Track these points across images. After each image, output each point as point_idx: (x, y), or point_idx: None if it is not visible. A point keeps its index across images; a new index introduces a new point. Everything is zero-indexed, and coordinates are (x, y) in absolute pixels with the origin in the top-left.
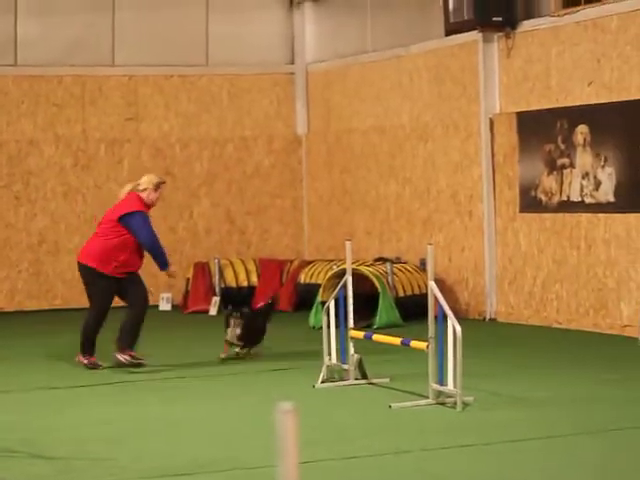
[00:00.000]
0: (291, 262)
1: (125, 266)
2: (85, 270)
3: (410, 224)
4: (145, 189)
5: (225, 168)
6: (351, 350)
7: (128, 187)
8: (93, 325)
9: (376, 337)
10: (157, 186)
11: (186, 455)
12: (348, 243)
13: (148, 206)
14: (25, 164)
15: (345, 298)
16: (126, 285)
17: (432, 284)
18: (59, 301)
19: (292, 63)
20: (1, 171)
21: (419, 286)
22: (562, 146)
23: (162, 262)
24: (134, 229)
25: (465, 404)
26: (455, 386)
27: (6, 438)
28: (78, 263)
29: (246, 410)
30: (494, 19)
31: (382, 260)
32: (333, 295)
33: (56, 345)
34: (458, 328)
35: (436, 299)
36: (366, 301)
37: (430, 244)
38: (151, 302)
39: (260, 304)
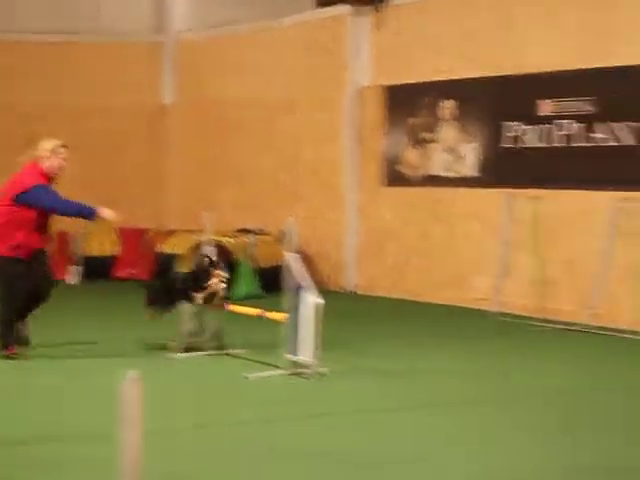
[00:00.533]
0: (152, 231)
1: (25, 247)
2: None
3: (275, 196)
4: (42, 157)
5: (91, 137)
6: (209, 320)
7: (26, 155)
8: (7, 314)
9: (234, 308)
10: (54, 152)
11: (30, 423)
12: (207, 213)
13: (48, 176)
14: None
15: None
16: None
17: (291, 255)
18: None
19: (161, 32)
20: None
21: (279, 258)
22: (427, 120)
23: (87, 214)
24: (34, 203)
25: (320, 375)
26: (311, 357)
27: None
28: None
29: (100, 381)
30: None
31: (244, 231)
32: (193, 265)
33: None
34: (317, 300)
35: (294, 271)
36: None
37: (291, 216)
38: None
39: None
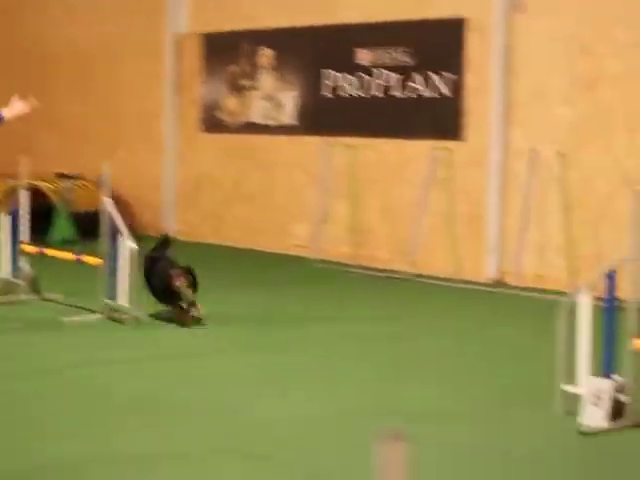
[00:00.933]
0: None
1: None
2: None
3: (93, 142)
4: None
5: None
6: (23, 265)
7: None
8: None
9: (50, 252)
10: None
11: None
12: (23, 158)
13: None
14: None
15: (19, 213)
16: None
17: (107, 200)
18: None
19: None
20: None
21: (96, 203)
22: (246, 68)
23: None
24: None
25: (137, 320)
26: (128, 302)
27: None
28: None
29: None
30: None
31: (62, 176)
32: (7, 210)
33: None
34: (132, 245)
35: (111, 216)
36: (43, 217)
37: (107, 161)
38: None
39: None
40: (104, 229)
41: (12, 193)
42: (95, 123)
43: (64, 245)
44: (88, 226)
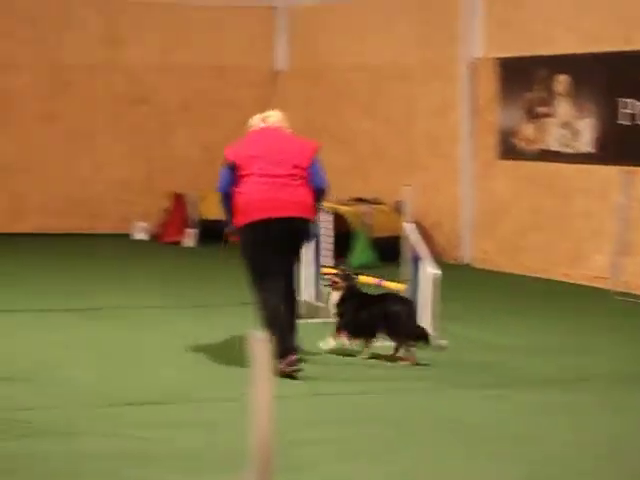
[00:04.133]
0: None
1: None
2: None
3: (387, 165)
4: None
5: (202, 98)
6: (324, 288)
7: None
8: None
9: None
10: None
11: (156, 385)
12: None
13: None
14: (1, 85)
15: (321, 237)
16: None
17: (409, 226)
18: (31, 225)
19: None
20: None
21: (395, 228)
22: (543, 94)
23: None
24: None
25: (440, 347)
26: (430, 329)
27: None
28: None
29: (211, 343)
30: None
31: (359, 200)
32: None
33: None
34: (434, 271)
35: (412, 241)
36: (341, 241)
37: (408, 185)
38: (126, 231)
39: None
40: (404, 254)
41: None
42: (387, 145)
43: (363, 270)
44: (386, 251)
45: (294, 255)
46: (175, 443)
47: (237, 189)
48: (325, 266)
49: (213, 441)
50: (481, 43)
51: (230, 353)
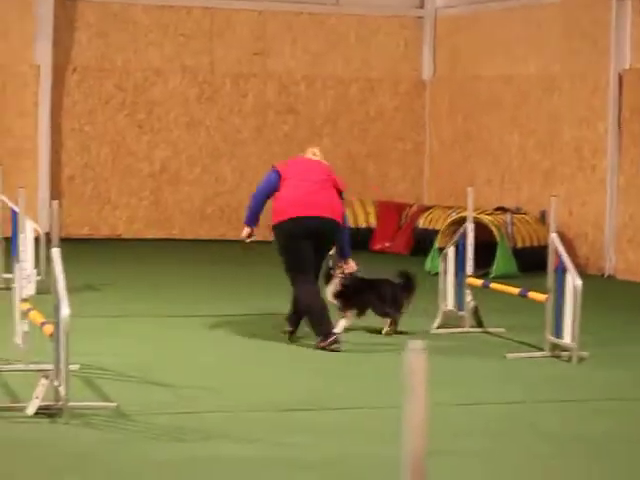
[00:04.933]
0: (410, 206)
1: None
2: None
3: (531, 175)
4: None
5: (348, 108)
6: (468, 297)
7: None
8: None
9: (494, 286)
10: None
11: (296, 392)
12: (470, 189)
13: None
14: (150, 93)
15: (464, 245)
16: None
17: (554, 236)
18: (176, 231)
19: (421, 7)
20: (126, 99)
21: (538, 238)
22: None
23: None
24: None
25: (580, 359)
26: (572, 340)
27: (123, 363)
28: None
29: (361, 351)
30: None
31: (502, 210)
32: (453, 241)
33: (165, 274)
34: (578, 282)
35: (557, 252)
36: (483, 250)
37: (554, 196)
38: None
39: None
40: (549, 265)
41: (456, 225)
42: (532, 156)
43: (504, 279)
44: (528, 261)
45: (324, 250)
46: (321, 450)
47: (277, 195)
48: (468, 275)
49: (358, 448)
50: (629, 54)
51: (375, 361)
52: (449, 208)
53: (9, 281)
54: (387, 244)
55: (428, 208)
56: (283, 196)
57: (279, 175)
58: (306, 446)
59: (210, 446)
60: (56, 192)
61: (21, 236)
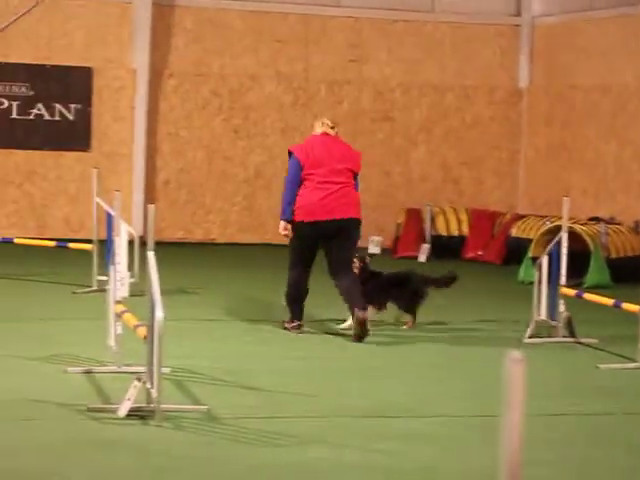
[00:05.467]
0: (503, 215)
1: None
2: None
3: (627, 185)
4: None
5: (444, 116)
6: (561, 307)
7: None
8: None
9: (588, 296)
10: None
11: (386, 398)
12: (566, 199)
13: None
14: (245, 99)
15: (558, 255)
16: None
17: None
18: (269, 236)
19: (518, 15)
20: (222, 105)
21: (632, 248)
22: None
23: None
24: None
25: None
26: None
27: (215, 367)
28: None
29: (451, 359)
30: None
31: (596, 220)
32: (547, 250)
33: (258, 279)
34: None
35: None
36: (577, 259)
37: None
38: (360, 244)
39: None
40: None
41: (550, 234)
42: (628, 166)
43: (597, 289)
44: (622, 271)
45: (350, 249)
46: (415, 457)
47: (299, 191)
48: (561, 284)
49: (451, 456)
50: None
51: (465, 369)
52: (543, 217)
53: (103, 283)
54: (479, 252)
55: (522, 217)
56: (304, 197)
57: (300, 165)
58: (400, 453)
59: (304, 451)
60: (150, 196)
61: (116, 239)
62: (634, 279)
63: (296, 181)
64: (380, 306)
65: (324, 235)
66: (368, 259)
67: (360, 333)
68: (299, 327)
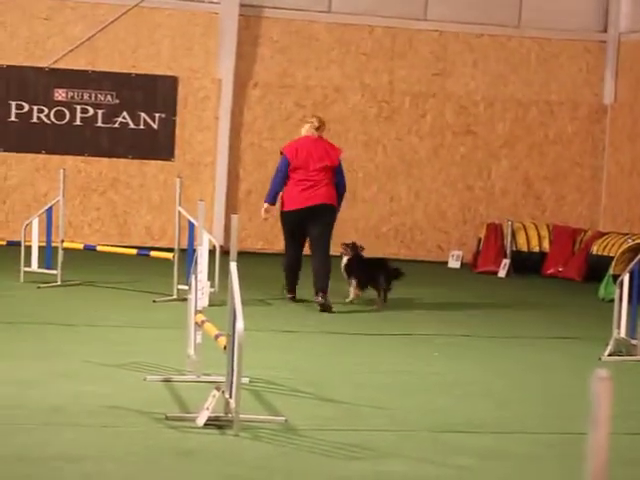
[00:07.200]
0: (585, 232)
1: None
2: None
3: None
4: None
5: (527, 131)
6: None
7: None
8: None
9: None
10: None
11: (465, 413)
12: None
13: None
14: (330, 110)
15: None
16: None
17: None
18: None
19: (604, 31)
20: (306, 116)
21: None
22: None
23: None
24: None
25: None
26: None
27: (294, 378)
28: (321, 205)
29: (529, 375)
30: None
31: None
32: (628, 268)
33: (336, 292)
34: None
35: None
36: None
37: None
38: (440, 258)
39: None
40: None
41: (631, 252)
42: None
43: None
44: None
45: (323, 228)
46: (486, 473)
47: (285, 187)
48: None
49: (526, 474)
50: None
51: (544, 385)
52: (624, 235)
53: (183, 292)
54: (560, 269)
55: (603, 234)
56: (291, 190)
57: (289, 163)
58: (474, 469)
59: (381, 464)
60: (232, 206)
61: (199, 248)
62: None
63: (284, 176)
64: (362, 285)
65: (304, 218)
66: (361, 248)
67: (323, 310)
68: (293, 298)
